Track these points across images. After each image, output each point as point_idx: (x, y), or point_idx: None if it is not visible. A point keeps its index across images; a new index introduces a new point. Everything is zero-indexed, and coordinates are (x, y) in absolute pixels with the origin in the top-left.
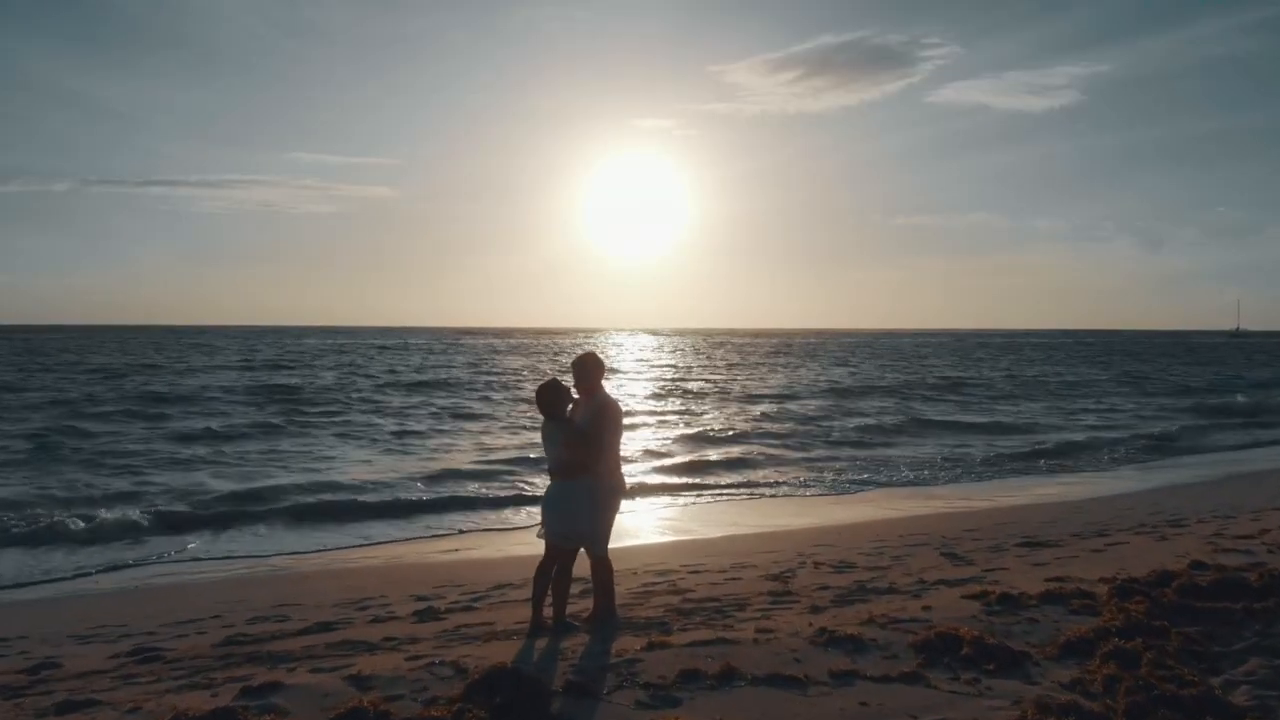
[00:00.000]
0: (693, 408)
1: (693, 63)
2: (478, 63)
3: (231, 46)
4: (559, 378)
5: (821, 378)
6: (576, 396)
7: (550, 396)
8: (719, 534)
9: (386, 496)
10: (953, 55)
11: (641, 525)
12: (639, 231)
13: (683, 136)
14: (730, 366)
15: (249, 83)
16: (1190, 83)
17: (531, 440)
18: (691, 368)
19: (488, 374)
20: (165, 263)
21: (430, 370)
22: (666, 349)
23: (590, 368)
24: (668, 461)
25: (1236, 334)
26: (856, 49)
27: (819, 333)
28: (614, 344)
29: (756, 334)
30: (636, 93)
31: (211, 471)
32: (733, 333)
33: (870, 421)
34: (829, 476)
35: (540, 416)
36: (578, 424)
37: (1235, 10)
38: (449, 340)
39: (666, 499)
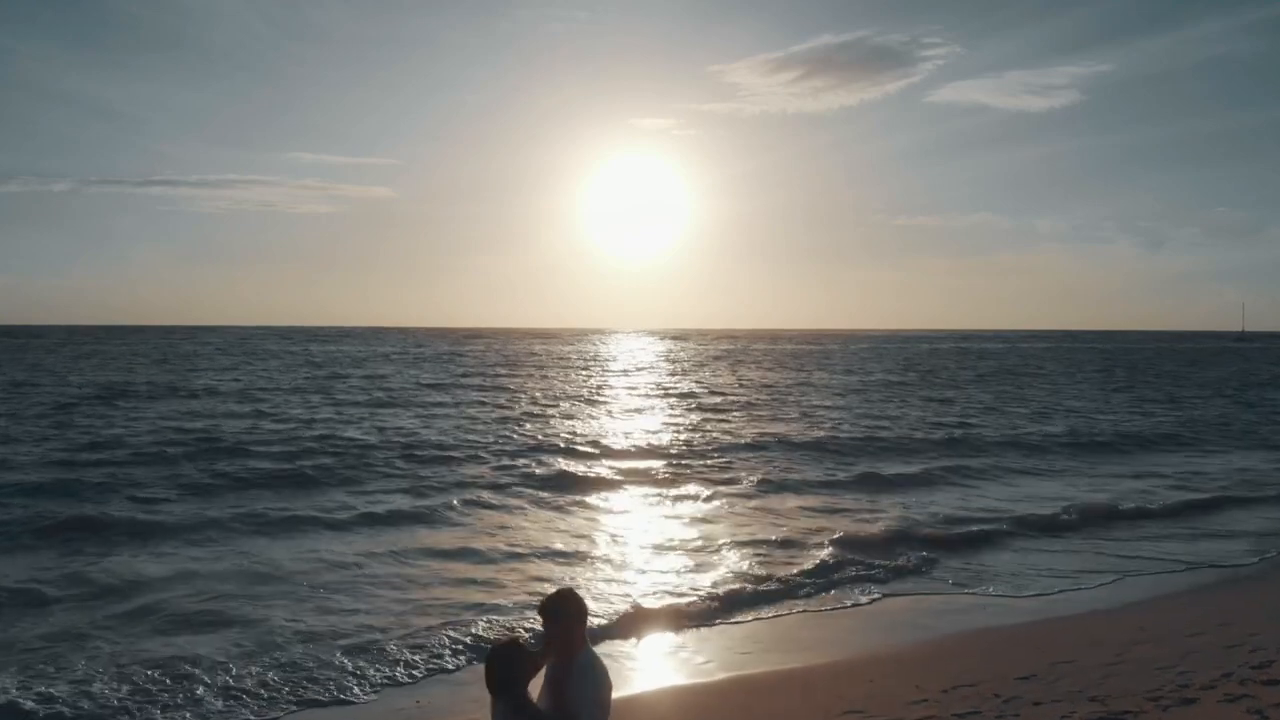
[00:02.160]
0: (707, 459)
1: (693, 63)
2: (478, 63)
3: (231, 46)
4: (520, 635)
5: (860, 409)
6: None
7: (506, 668)
8: (727, 676)
9: (337, 642)
10: (953, 55)
11: (635, 667)
12: (639, 231)
13: (683, 136)
14: (752, 387)
15: (249, 83)
16: (1190, 83)
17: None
18: (704, 382)
19: (501, 408)
20: (165, 262)
21: (428, 404)
22: (673, 355)
23: (571, 615)
24: (670, 558)
25: (1242, 337)
26: (856, 49)
27: (821, 334)
28: (618, 351)
29: (756, 334)
30: (636, 93)
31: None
32: (734, 334)
33: (946, 510)
34: (856, 572)
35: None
36: (545, 708)
37: (1235, 10)
38: (452, 345)
39: (668, 629)
